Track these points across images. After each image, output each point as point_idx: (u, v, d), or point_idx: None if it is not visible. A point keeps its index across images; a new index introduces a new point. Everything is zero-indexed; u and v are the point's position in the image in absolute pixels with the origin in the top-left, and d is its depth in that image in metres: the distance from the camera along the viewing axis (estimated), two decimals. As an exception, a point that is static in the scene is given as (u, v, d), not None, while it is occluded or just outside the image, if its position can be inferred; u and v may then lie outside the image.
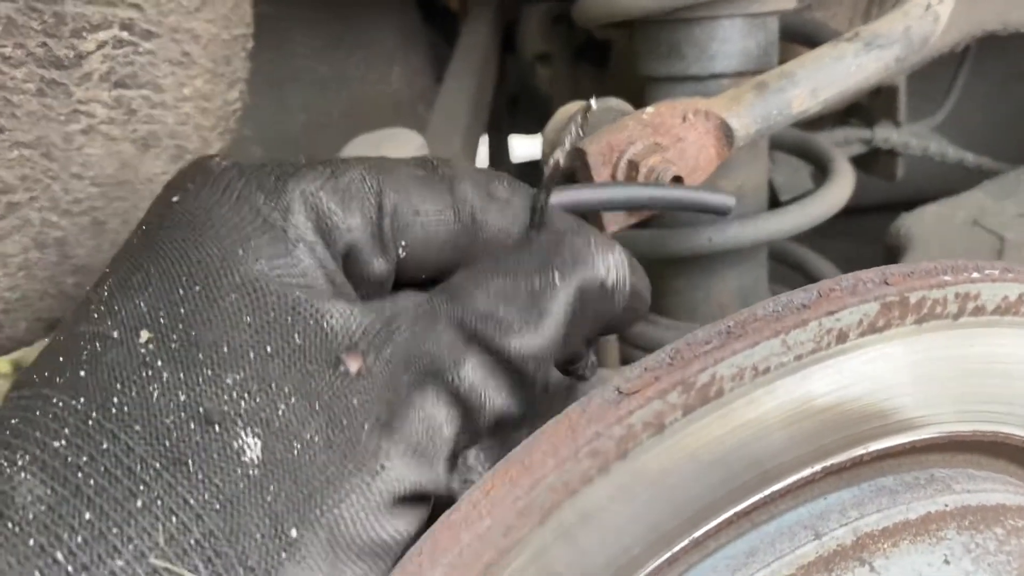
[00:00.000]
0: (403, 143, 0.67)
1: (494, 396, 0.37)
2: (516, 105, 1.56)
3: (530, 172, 1.63)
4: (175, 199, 0.37)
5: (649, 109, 0.57)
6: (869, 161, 0.99)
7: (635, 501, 0.34)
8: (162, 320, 0.34)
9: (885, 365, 0.38)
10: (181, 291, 0.34)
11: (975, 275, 0.37)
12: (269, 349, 0.34)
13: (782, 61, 0.76)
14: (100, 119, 0.56)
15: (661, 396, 0.33)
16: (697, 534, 0.36)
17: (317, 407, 0.33)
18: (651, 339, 0.79)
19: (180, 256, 0.35)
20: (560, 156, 0.41)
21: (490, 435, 0.39)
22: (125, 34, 0.55)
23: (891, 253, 0.80)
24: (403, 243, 0.39)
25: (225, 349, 0.33)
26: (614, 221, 0.58)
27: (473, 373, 0.36)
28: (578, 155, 0.56)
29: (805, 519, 0.38)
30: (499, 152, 1.58)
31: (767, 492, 0.37)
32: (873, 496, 0.39)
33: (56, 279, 0.60)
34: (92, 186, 0.58)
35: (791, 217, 0.73)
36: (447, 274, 0.41)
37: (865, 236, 1.05)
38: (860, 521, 0.38)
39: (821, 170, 0.83)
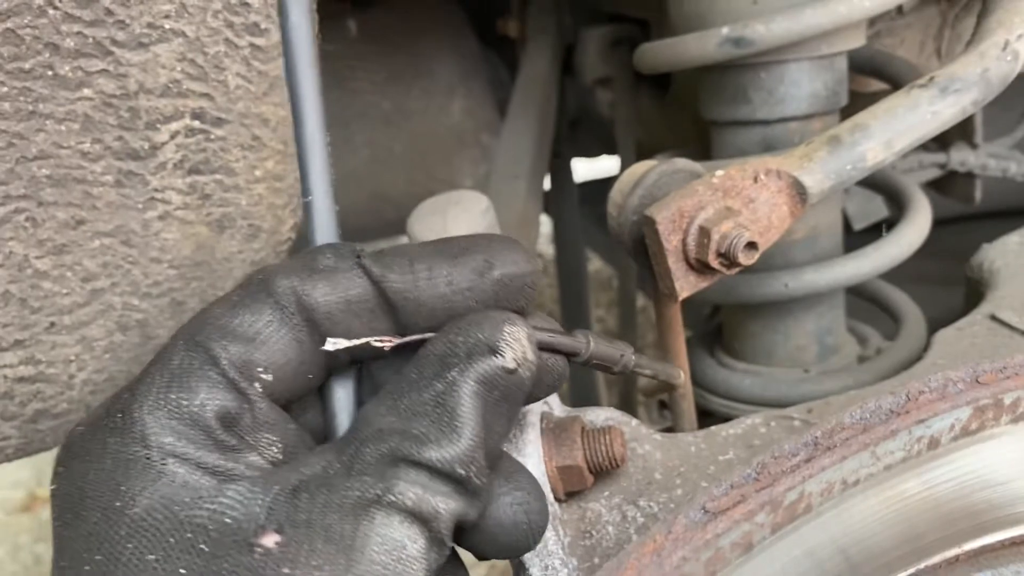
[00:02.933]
0: (469, 206, 0.67)
1: (444, 501, 0.36)
2: (577, 128, 1.55)
3: (592, 193, 1.63)
4: (53, 488, 0.39)
5: (719, 172, 0.56)
6: (945, 184, 0.96)
7: (726, 621, 0.34)
8: None
9: (980, 464, 0.36)
10: (88, 568, 0.35)
11: (1073, 368, 0.36)
12: (183, 571, 0.34)
13: (852, 91, 0.74)
14: (176, 205, 0.57)
15: (748, 517, 0.33)
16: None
17: None
18: (729, 386, 0.78)
19: (73, 537, 0.36)
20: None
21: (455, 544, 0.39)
22: (197, 123, 0.56)
23: (973, 288, 0.78)
24: (260, 371, 0.39)
25: None
26: (686, 286, 0.57)
27: (411, 487, 0.36)
28: (647, 222, 0.56)
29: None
30: (561, 175, 1.58)
31: (860, 596, 0.36)
32: (971, 595, 0.38)
33: (140, 359, 0.61)
34: (170, 268, 0.59)
35: (868, 261, 0.71)
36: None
37: (942, 252, 1.01)
38: (958, 627, 0.36)
39: (894, 203, 0.81)
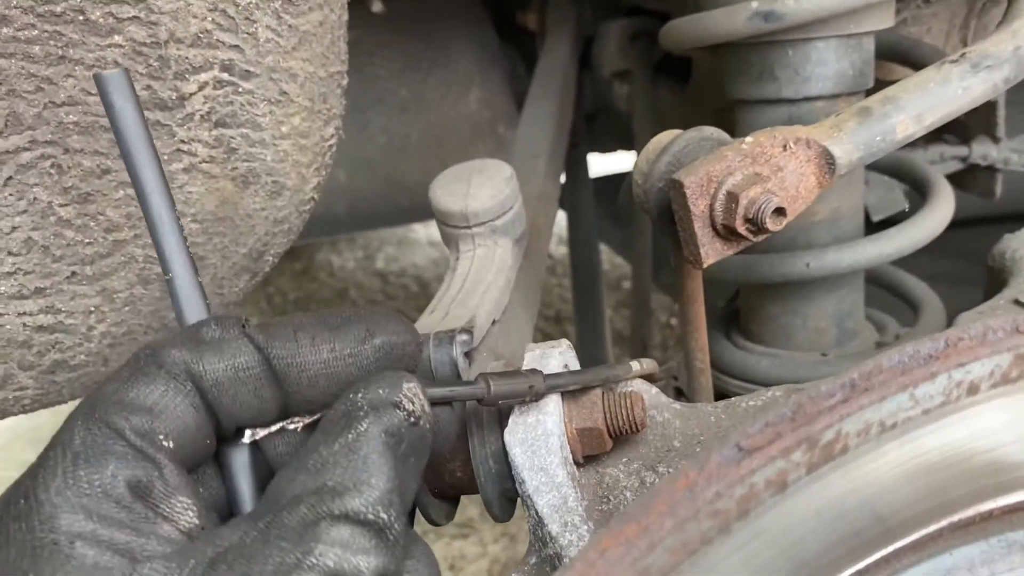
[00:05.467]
0: (492, 174, 0.66)
1: (366, 558, 0.36)
2: (593, 122, 1.55)
3: (606, 188, 1.62)
4: None
5: (748, 138, 0.55)
6: (966, 178, 0.95)
7: (756, 561, 0.33)
8: None
9: (1019, 415, 0.36)
10: None
11: (1115, 320, 0.36)
12: None
13: (876, 79, 0.74)
14: (201, 158, 0.57)
15: (784, 455, 0.32)
16: (819, 593, 0.35)
17: None
18: (745, 367, 0.77)
19: None
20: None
21: None
22: (225, 75, 0.56)
23: (995, 277, 0.77)
24: (162, 438, 0.40)
25: None
26: (712, 253, 0.57)
27: (331, 548, 0.35)
28: (674, 186, 0.55)
29: (930, 576, 0.37)
30: (576, 169, 1.57)
31: (890, 549, 0.36)
32: (1004, 553, 0.37)
33: (159, 314, 0.61)
34: (193, 223, 0.59)
35: (892, 242, 0.70)
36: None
37: (959, 253, 1.01)
38: (991, 580, 0.36)
39: (917, 190, 0.81)
